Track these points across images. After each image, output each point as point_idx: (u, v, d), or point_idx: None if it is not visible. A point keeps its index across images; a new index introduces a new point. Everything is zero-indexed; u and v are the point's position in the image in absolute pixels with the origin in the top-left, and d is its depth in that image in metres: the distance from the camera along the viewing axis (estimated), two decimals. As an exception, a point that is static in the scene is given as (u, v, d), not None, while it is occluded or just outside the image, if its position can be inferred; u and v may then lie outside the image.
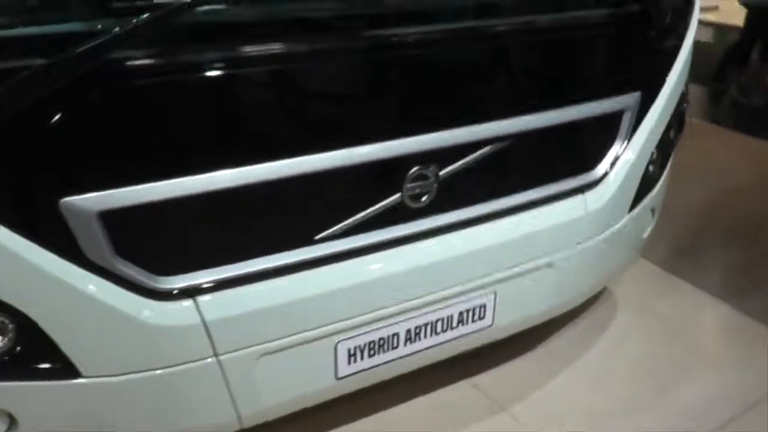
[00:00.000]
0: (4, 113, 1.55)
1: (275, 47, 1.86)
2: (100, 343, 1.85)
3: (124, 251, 1.81)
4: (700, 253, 3.75)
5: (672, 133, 2.88)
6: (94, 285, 1.80)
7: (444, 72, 2.17)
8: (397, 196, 2.13)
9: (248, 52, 1.84)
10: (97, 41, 1.54)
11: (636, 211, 2.79)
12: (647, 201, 2.86)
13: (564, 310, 2.80)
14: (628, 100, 2.54)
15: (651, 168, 2.81)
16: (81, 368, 1.86)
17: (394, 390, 2.62)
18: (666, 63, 2.66)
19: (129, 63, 1.66)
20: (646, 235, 3.02)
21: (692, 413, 2.67)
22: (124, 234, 1.79)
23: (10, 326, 1.79)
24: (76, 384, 1.87)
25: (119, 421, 1.98)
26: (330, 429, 2.58)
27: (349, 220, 2.11)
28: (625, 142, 2.61)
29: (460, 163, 2.22)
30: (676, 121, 2.88)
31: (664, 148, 2.85)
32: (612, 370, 2.92)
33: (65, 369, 1.85)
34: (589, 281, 2.77)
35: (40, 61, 1.53)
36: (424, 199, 2.18)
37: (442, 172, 2.19)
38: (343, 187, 2.07)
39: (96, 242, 1.76)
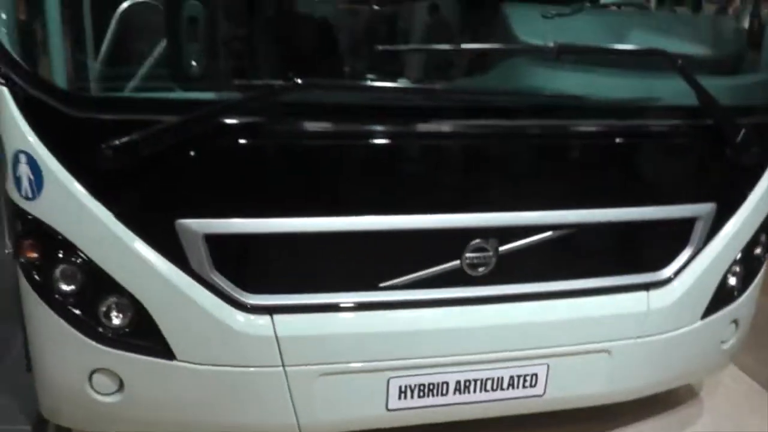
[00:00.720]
0: (144, 152, 2.13)
1: (362, 126, 2.33)
2: (192, 336, 2.37)
3: (220, 267, 2.32)
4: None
5: (760, 250, 2.98)
6: (193, 290, 2.32)
7: (522, 160, 2.53)
8: (455, 262, 2.49)
9: (343, 127, 2.33)
10: (213, 108, 2.09)
11: (710, 318, 2.91)
12: (726, 311, 2.95)
13: (622, 399, 2.95)
14: (702, 209, 2.72)
15: (731, 280, 2.92)
16: (176, 352, 2.37)
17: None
18: (748, 180, 2.81)
19: (241, 125, 2.20)
20: (727, 346, 3.09)
21: None
22: (222, 254, 2.31)
23: (129, 310, 2.35)
24: (170, 364, 2.39)
25: (197, 404, 2.47)
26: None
27: (414, 276, 2.49)
28: (697, 250, 2.77)
29: (520, 242, 2.53)
30: (766, 239, 2.97)
31: (749, 263, 2.96)
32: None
33: (164, 350, 2.38)
34: (649, 376, 2.90)
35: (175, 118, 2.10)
36: (481, 269, 2.52)
37: (501, 248, 2.52)
38: (411, 246, 2.47)
39: (199, 257, 2.30)
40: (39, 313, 2.43)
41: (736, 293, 2.98)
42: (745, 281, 3.00)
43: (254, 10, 2.79)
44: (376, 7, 3.06)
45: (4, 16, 2.24)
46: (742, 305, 3.03)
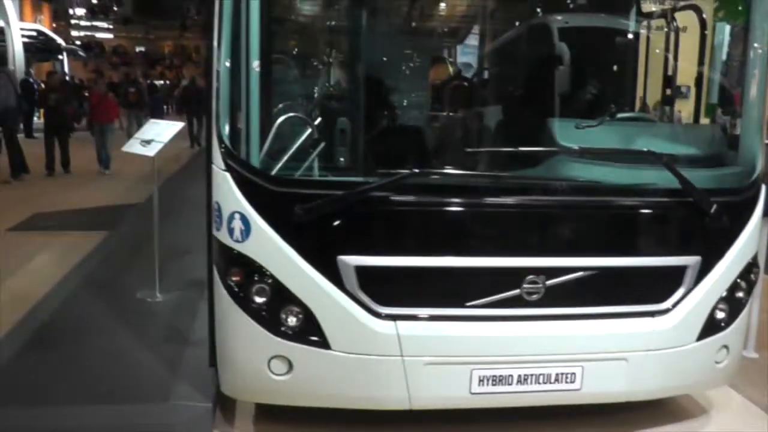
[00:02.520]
0: (318, 213, 3.42)
1: (461, 199, 3.61)
2: (343, 333, 3.59)
3: (365, 288, 3.57)
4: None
5: (740, 293, 4.11)
6: (345, 302, 3.57)
7: (563, 223, 3.77)
8: (517, 290, 3.69)
9: (449, 199, 3.62)
10: (362, 188, 3.39)
11: (704, 341, 3.99)
12: (716, 337, 4.04)
13: (638, 398, 4.03)
14: (690, 260, 3.88)
15: (719, 314, 4.04)
16: (332, 344, 3.59)
17: None
18: (725, 240, 3.97)
19: (378, 198, 3.49)
20: (721, 366, 4.16)
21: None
22: (365, 279, 3.56)
23: (302, 315, 3.59)
24: (327, 353, 3.61)
25: (343, 381, 3.65)
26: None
27: (489, 299, 3.69)
28: (689, 290, 3.92)
29: (562, 278, 3.73)
30: (745, 285, 4.11)
31: (733, 302, 4.07)
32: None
33: (323, 342, 3.60)
34: (657, 382, 3.96)
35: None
36: (534, 296, 3.72)
37: (549, 282, 3.72)
38: (490, 279, 3.68)
39: (350, 281, 3.55)
40: (235, 318, 3.69)
41: (723, 324, 4.07)
42: (731, 316, 4.08)
43: (382, 124, 4.15)
44: (452, 114, 4.40)
45: (227, 127, 3.61)
46: (731, 334, 4.11)
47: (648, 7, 5.07)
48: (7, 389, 4.29)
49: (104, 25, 42.71)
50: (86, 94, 18.52)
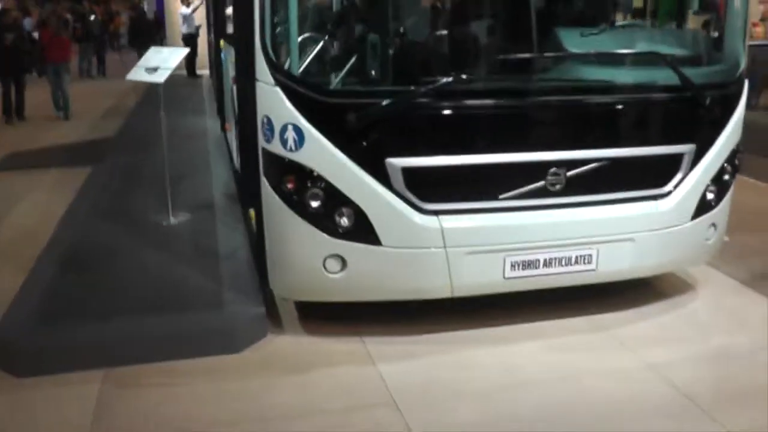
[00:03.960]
0: (366, 120, 3.77)
1: (492, 101, 4.02)
2: (393, 229, 4.00)
3: (410, 187, 3.96)
4: None
5: (726, 177, 4.65)
6: (394, 200, 3.96)
7: (580, 120, 4.21)
8: (542, 182, 4.14)
9: (480, 102, 4.01)
10: (403, 95, 3.77)
11: (697, 220, 4.55)
12: (707, 216, 4.59)
13: (643, 274, 4.62)
14: (686, 148, 4.40)
15: (709, 195, 4.58)
16: (382, 240, 4.00)
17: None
18: (715, 129, 4.48)
19: (420, 104, 3.87)
20: (710, 242, 4.73)
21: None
22: (410, 179, 3.95)
23: (354, 215, 3.98)
24: (378, 249, 4.02)
25: (393, 274, 4.08)
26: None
27: (518, 191, 4.14)
28: (685, 174, 4.44)
29: (580, 169, 4.19)
30: (730, 168, 4.64)
31: (720, 184, 4.62)
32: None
33: (375, 239, 4.00)
34: (660, 258, 4.52)
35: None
36: (557, 186, 4.17)
37: (569, 173, 4.18)
38: (519, 173, 4.11)
39: (398, 181, 3.94)
40: (290, 223, 4.05)
41: (713, 204, 4.63)
42: (718, 197, 4.64)
43: (412, 39, 4.49)
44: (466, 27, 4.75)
45: (274, 46, 3.90)
46: (718, 213, 4.68)
47: None
48: (54, 307, 4.50)
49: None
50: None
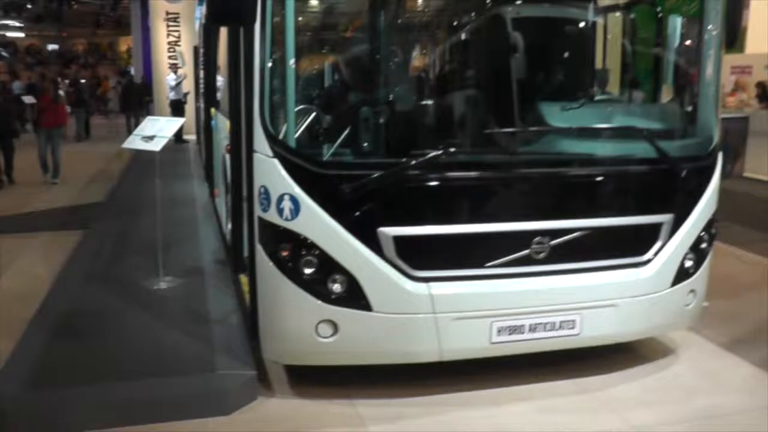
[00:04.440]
0: (360, 192, 3.94)
1: (480, 174, 4.21)
2: (384, 295, 4.13)
3: (401, 255, 4.11)
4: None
5: (704, 245, 4.84)
6: (385, 268, 4.11)
7: (563, 191, 4.40)
8: (526, 251, 4.31)
9: (469, 174, 4.20)
10: (396, 168, 3.96)
11: (676, 287, 4.71)
12: (686, 283, 4.76)
13: (626, 339, 4.76)
14: (665, 218, 4.59)
15: (687, 263, 4.76)
16: (373, 306, 4.13)
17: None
18: (692, 200, 4.69)
19: (411, 176, 4.05)
20: (689, 308, 4.89)
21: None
22: (401, 247, 4.11)
23: (346, 281, 4.11)
24: (369, 314, 4.14)
25: (383, 338, 4.20)
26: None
27: (503, 259, 4.30)
28: (664, 243, 4.62)
29: (563, 238, 4.36)
30: (707, 237, 4.84)
31: (698, 253, 4.81)
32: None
33: (366, 305, 4.13)
34: (641, 323, 4.67)
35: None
36: (541, 255, 4.34)
37: (553, 242, 4.35)
38: (505, 242, 4.28)
39: (390, 249, 4.09)
40: (284, 289, 4.18)
41: (691, 272, 4.80)
42: (696, 264, 4.82)
43: (400, 112, 4.71)
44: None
45: (273, 119, 4.09)
46: (697, 280, 4.85)
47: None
48: (47, 371, 4.57)
49: (15, 23, 41.43)
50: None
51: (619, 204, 4.56)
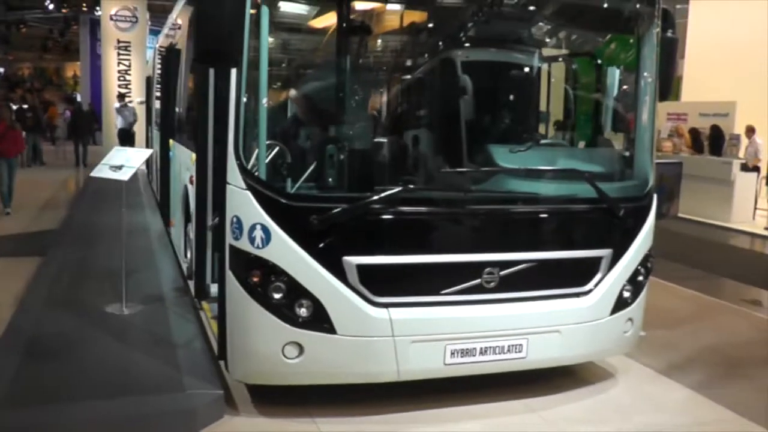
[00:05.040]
0: (326, 222, 4.28)
1: (434, 209, 4.59)
2: (347, 319, 4.43)
3: (364, 282, 4.44)
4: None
5: (640, 278, 5.28)
6: (348, 294, 4.43)
7: (511, 226, 4.80)
8: (478, 280, 4.68)
9: (424, 209, 4.57)
10: (360, 202, 4.32)
11: (615, 315, 5.13)
12: (623, 312, 5.19)
13: (569, 362, 5.15)
14: (604, 252, 5.02)
15: (625, 294, 5.19)
16: (337, 329, 4.43)
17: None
18: (629, 237, 5.14)
19: (372, 210, 4.40)
20: (628, 335, 5.31)
21: None
22: (364, 275, 4.43)
23: (312, 306, 4.41)
24: (333, 337, 4.44)
25: (345, 359, 4.49)
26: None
27: (456, 287, 4.66)
28: (603, 275, 5.05)
29: (512, 269, 4.75)
30: (643, 271, 5.29)
31: (634, 284, 5.24)
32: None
33: (330, 328, 4.43)
34: (583, 348, 5.07)
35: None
36: (491, 284, 4.72)
37: (502, 273, 4.73)
38: (458, 272, 4.64)
39: (353, 276, 4.42)
40: (253, 312, 4.45)
41: (629, 302, 5.23)
42: (633, 295, 5.25)
43: (365, 149, 5.08)
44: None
45: (247, 154, 4.40)
46: (634, 309, 5.28)
47: (551, 51, 6.26)
48: (19, 393, 4.70)
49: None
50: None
51: (562, 239, 4.98)
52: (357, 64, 5.53)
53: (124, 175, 6.22)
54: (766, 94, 15.13)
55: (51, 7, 32.03)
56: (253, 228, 4.37)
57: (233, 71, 4.38)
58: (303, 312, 4.43)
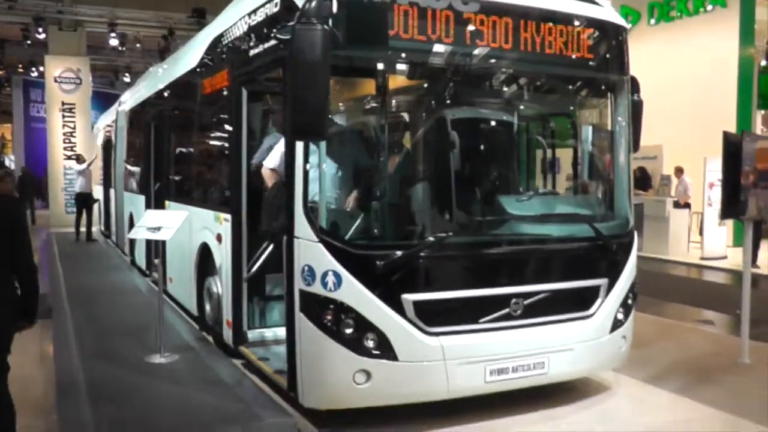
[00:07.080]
0: (389, 267, 5.17)
1: (473, 251, 5.55)
2: (407, 347, 5.28)
3: (419, 315, 5.31)
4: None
5: (630, 301, 6.32)
6: (408, 326, 5.29)
7: (534, 262, 5.78)
8: (506, 309, 5.62)
9: (467, 252, 5.54)
10: (413, 248, 5.27)
11: (612, 334, 6.13)
12: (619, 331, 6.19)
13: (581, 375, 6.13)
14: (602, 282, 6.05)
15: (619, 315, 6.21)
16: (399, 356, 5.27)
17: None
18: (619, 267, 6.19)
19: (425, 255, 5.33)
20: (622, 350, 6.31)
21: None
22: (420, 309, 5.30)
23: (378, 338, 5.25)
24: (396, 363, 5.27)
25: (405, 382, 5.31)
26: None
27: (491, 316, 5.58)
28: (602, 301, 6.06)
29: (534, 299, 5.71)
30: (632, 295, 6.33)
31: (625, 307, 6.28)
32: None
33: (393, 356, 5.26)
34: (590, 363, 6.06)
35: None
36: (518, 312, 5.66)
37: (526, 302, 5.69)
38: (492, 303, 5.56)
39: (410, 311, 5.29)
40: (326, 346, 5.24)
41: (623, 322, 6.25)
42: (626, 316, 6.28)
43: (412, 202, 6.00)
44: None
45: (317, 210, 5.26)
46: (627, 328, 6.29)
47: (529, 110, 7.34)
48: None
49: None
50: None
51: (570, 271, 5.98)
52: (413, 131, 6.53)
53: (166, 235, 6.90)
54: (691, 136, 16.75)
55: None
56: (325, 274, 5.18)
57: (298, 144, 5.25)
58: (370, 343, 5.24)
